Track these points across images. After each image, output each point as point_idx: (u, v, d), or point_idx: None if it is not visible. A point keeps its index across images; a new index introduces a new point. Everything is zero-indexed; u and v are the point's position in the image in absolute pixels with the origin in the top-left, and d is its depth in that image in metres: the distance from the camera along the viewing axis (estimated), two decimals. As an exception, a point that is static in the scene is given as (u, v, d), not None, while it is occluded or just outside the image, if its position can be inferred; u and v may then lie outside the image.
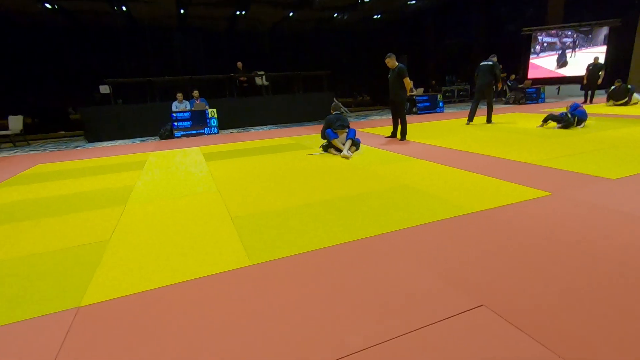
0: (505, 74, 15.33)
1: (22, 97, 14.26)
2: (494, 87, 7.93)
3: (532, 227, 2.38)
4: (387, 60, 6.33)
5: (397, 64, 6.27)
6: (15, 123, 9.21)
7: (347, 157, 5.10)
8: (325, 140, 5.59)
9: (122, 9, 13.43)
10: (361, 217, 2.76)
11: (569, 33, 15.09)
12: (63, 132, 11.96)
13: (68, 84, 14.59)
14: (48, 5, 12.30)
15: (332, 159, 5.12)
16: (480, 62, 7.99)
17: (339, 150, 5.36)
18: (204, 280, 1.98)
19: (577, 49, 15.15)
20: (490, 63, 7.77)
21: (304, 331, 1.51)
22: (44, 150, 8.23)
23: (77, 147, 8.51)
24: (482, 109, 8.13)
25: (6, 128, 9.15)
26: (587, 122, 6.78)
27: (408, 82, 6.23)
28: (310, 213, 2.92)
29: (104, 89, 10.14)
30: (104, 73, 11.57)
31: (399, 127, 6.57)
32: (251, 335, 1.51)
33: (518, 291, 1.68)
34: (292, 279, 1.93)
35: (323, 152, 5.60)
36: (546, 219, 2.50)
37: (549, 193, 3.03)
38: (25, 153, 7.83)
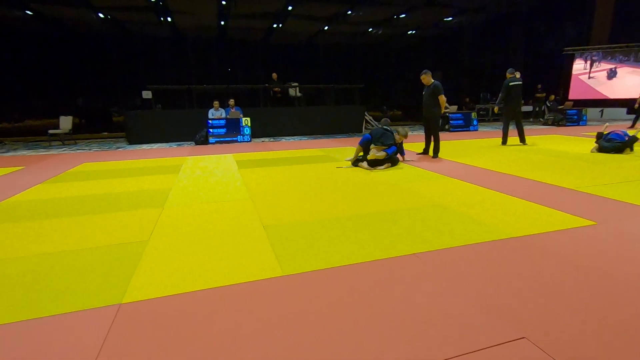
0: (544, 94, 14.82)
1: (72, 98, 15.31)
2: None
3: (576, 258, 2.27)
4: (422, 77, 6.34)
5: (432, 80, 6.26)
6: (66, 123, 9.87)
7: (376, 156, 5.22)
8: (360, 153, 5.59)
9: (167, 19, 14.22)
10: (394, 234, 2.73)
11: (616, 54, 14.42)
12: (106, 133, 12.68)
13: (113, 88, 15.52)
14: (101, 15, 13.23)
15: (363, 173, 5.12)
16: (506, 79, 7.46)
17: (371, 166, 5.33)
18: (240, 287, 2.02)
19: (624, 71, 14.43)
20: (521, 82, 7.54)
21: (335, 349, 1.50)
22: (89, 149, 8.75)
23: (119, 148, 8.98)
24: (512, 130, 7.87)
25: (57, 127, 9.82)
26: (636, 148, 6.41)
27: (443, 99, 6.19)
28: (342, 227, 2.92)
29: (146, 94, 10.70)
30: (147, 79, 12.23)
31: (432, 143, 6.49)
32: (284, 347, 1.52)
33: (562, 325, 1.60)
34: (325, 293, 1.94)
35: (352, 165, 5.60)
36: (592, 250, 2.37)
37: (595, 222, 2.88)
38: (73, 152, 8.35)
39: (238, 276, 2.15)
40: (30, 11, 12.32)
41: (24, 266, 2.35)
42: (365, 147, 5.48)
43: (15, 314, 1.80)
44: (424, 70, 6.31)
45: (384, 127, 5.68)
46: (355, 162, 5.61)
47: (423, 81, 6.36)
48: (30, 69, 14.11)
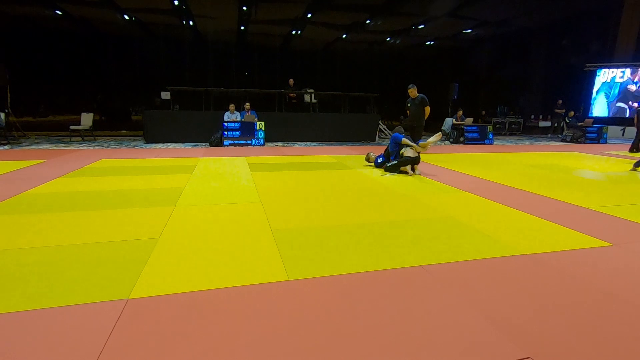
0: (564, 110, 14.56)
1: (94, 96, 15.77)
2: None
3: (588, 279, 2.21)
4: (410, 90, 7.11)
5: (417, 94, 7.12)
6: (87, 119, 10.15)
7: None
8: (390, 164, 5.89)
9: (189, 23, 14.58)
10: (402, 245, 2.71)
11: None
12: (125, 131, 12.98)
13: (134, 88, 15.92)
14: (127, 17, 13.65)
15: (373, 182, 5.10)
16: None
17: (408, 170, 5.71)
18: (245, 289, 2.03)
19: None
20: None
21: (334, 358, 1.49)
22: (108, 146, 8.98)
23: (136, 146, 9.19)
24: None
25: (79, 123, 10.11)
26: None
27: (428, 110, 7.11)
28: (350, 234, 2.92)
29: (165, 95, 10.94)
30: (167, 80, 12.51)
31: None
32: (285, 351, 1.52)
33: (569, 348, 1.55)
34: (329, 301, 1.93)
35: (391, 173, 5.75)
36: (605, 272, 2.30)
37: (610, 244, 2.80)
38: (92, 148, 8.58)
39: (244, 278, 2.16)
40: (60, 11, 12.80)
41: (37, 256, 2.42)
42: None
43: (25, 303, 1.86)
44: (411, 85, 7.10)
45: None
46: (393, 169, 5.79)
47: (410, 94, 7.14)
48: (56, 67, 14.61)
